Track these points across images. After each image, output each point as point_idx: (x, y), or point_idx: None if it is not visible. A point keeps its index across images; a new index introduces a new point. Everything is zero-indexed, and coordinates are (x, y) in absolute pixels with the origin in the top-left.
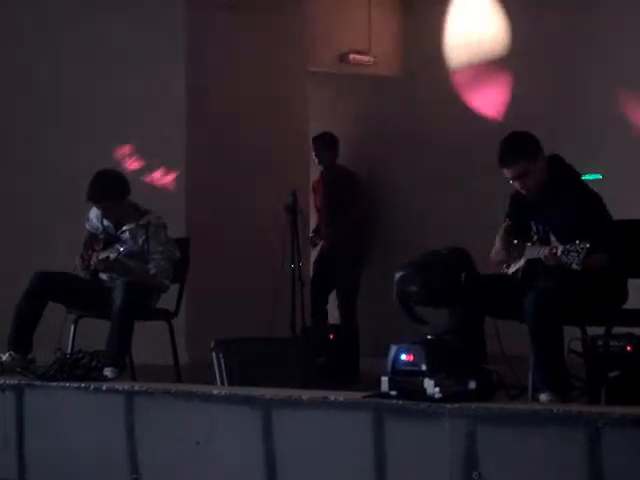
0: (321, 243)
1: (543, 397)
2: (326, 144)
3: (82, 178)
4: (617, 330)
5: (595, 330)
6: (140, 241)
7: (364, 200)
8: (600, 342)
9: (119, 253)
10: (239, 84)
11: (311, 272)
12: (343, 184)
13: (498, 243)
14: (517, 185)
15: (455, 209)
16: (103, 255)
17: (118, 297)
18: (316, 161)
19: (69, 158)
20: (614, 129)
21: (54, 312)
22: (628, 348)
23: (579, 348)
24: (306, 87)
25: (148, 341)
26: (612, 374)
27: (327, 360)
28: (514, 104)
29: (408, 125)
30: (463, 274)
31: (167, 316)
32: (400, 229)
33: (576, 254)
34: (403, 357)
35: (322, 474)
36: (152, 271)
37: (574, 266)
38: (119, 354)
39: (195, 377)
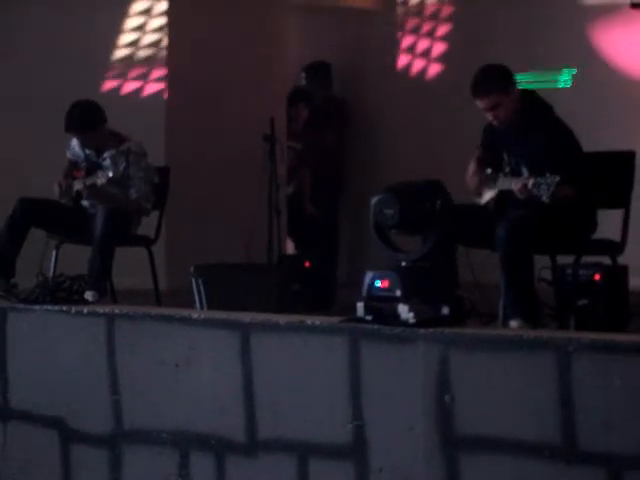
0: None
1: (513, 324)
2: (321, 74)
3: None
4: (586, 259)
5: (565, 259)
6: (121, 167)
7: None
8: (569, 271)
9: (108, 179)
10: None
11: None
12: (336, 115)
13: (470, 170)
14: (489, 116)
15: (433, 143)
16: (90, 181)
17: (99, 223)
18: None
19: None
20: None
21: (35, 238)
22: (596, 277)
23: (549, 277)
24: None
25: (128, 267)
26: (581, 302)
27: (302, 287)
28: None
29: (389, 57)
30: (438, 202)
31: (147, 242)
32: (377, 164)
33: (546, 187)
34: (378, 283)
35: (298, 396)
36: (133, 196)
37: (544, 199)
38: (100, 279)
39: (174, 302)
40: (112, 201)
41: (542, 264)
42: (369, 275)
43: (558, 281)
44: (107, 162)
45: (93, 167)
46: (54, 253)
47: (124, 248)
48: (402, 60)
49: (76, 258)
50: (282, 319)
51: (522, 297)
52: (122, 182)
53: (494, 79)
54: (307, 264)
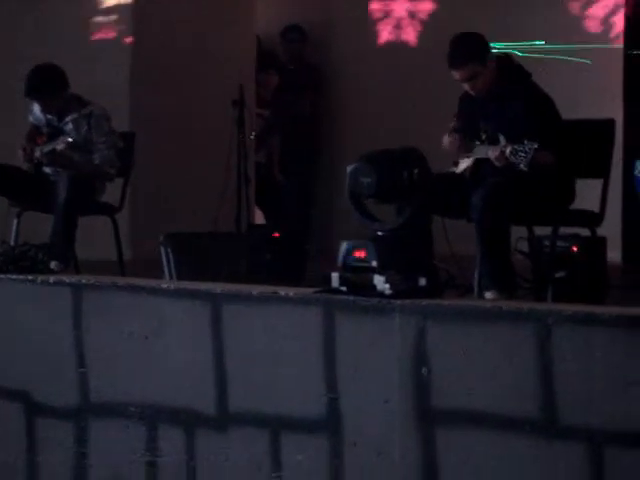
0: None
1: (489, 295)
2: (295, 38)
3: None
4: (564, 230)
5: (542, 230)
6: (83, 131)
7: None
8: (547, 242)
9: (67, 144)
10: None
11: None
12: (310, 80)
13: (445, 140)
14: (467, 87)
15: (408, 112)
16: (48, 147)
17: (62, 191)
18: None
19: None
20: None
21: None
22: (574, 249)
23: (525, 248)
24: None
25: (91, 236)
26: (558, 274)
27: (273, 257)
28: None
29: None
30: (416, 170)
31: (111, 211)
32: (353, 131)
33: (524, 154)
34: (354, 253)
35: (271, 368)
36: (96, 161)
37: (522, 166)
38: (63, 248)
39: (138, 273)
40: (74, 167)
41: (519, 235)
42: (344, 245)
43: (535, 252)
44: (69, 126)
45: (55, 132)
46: (15, 221)
47: (87, 217)
48: (375, 25)
49: (38, 226)
50: (254, 290)
51: (498, 268)
52: (84, 147)
53: (470, 50)
54: (276, 234)
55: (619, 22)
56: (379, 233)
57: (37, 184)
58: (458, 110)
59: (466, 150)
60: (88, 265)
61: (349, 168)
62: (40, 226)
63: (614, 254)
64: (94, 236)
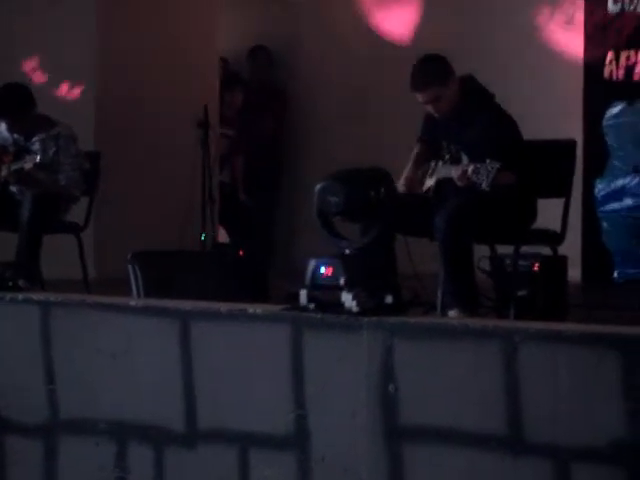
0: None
1: (452, 314)
2: (260, 58)
3: None
4: (525, 249)
5: (504, 249)
6: (50, 152)
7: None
8: (508, 261)
9: (35, 163)
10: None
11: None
12: (275, 101)
13: (405, 172)
14: (430, 108)
15: (375, 131)
16: (16, 166)
17: (25, 209)
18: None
19: None
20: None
21: None
22: (535, 267)
23: (488, 267)
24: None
25: (56, 255)
26: (520, 293)
27: (238, 275)
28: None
29: (319, 44)
30: (383, 190)
31: (76, 229)
32: (317, 152)
33: (486, 173)
34: (322, 270)
35: (239, 385)
36: (62, 182)
37: (483, 186)
38: (29, 266)
39: (103, 291)
40: (40, 186)
41: (481, 254)
42: (312, 262)
43: (497, 271)
44: (36, 146)
45: (21, 151)
46: None
47: (51, 236)
48: (341, 46)
49: (6, 245)
50: (223, 307)
51: (461, 287)
52: (51, 167)
53: (433, 73)
54: (241, 253)
55: (579, 42)
56: (346, 251)
57: (2, 203)
58: (421, 132)
59: (429, 171)
60: (53, 284)
61: (317, 186)
62: (7, 245)
63: (574, 273)
64: (59, 255)
